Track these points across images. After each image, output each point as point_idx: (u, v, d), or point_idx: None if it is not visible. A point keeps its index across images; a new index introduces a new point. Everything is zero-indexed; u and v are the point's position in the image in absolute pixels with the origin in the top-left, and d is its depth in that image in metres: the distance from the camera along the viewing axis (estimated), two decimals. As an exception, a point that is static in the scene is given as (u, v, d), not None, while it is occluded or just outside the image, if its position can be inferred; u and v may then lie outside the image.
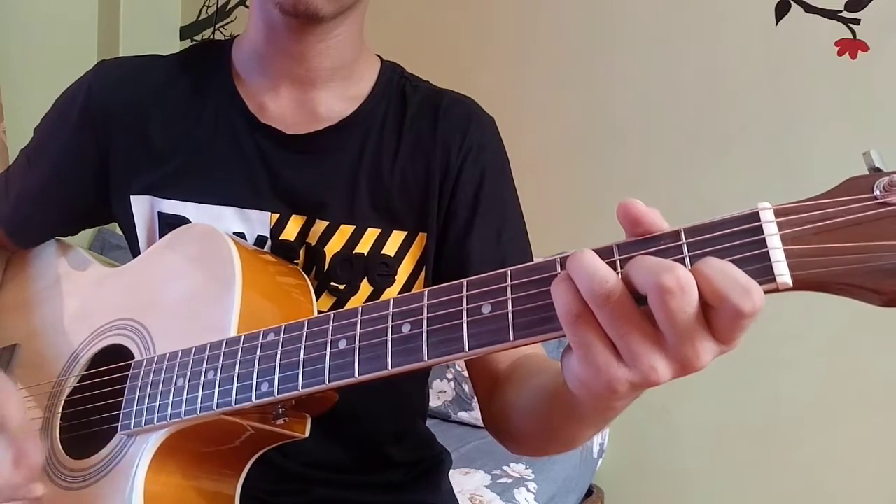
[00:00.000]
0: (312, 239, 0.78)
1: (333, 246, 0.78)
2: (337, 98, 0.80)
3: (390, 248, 0.78)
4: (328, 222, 0.78)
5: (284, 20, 0.74)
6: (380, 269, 0.78)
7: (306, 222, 0.78)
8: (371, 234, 0.78)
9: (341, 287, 0.78)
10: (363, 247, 0.78)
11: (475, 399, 2.14)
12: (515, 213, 0.83)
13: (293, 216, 0.78)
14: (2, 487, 0.61)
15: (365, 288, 0.78)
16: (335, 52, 0.78)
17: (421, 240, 0.79)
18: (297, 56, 0.77)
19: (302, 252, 0.78)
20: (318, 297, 0.77)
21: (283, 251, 0.78)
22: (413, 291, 0.54)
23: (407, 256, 0.79)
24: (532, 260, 0.80)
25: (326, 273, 0.78)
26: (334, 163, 0.79)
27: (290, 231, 0.78)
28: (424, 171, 0.79)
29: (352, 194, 0.78)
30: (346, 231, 0.78)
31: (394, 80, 0.84)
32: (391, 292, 0.79)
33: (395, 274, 0.79)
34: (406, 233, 0.79)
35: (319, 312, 0.75)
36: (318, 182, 0.78)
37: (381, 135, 0.80)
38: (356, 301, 0.78)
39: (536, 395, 0.64)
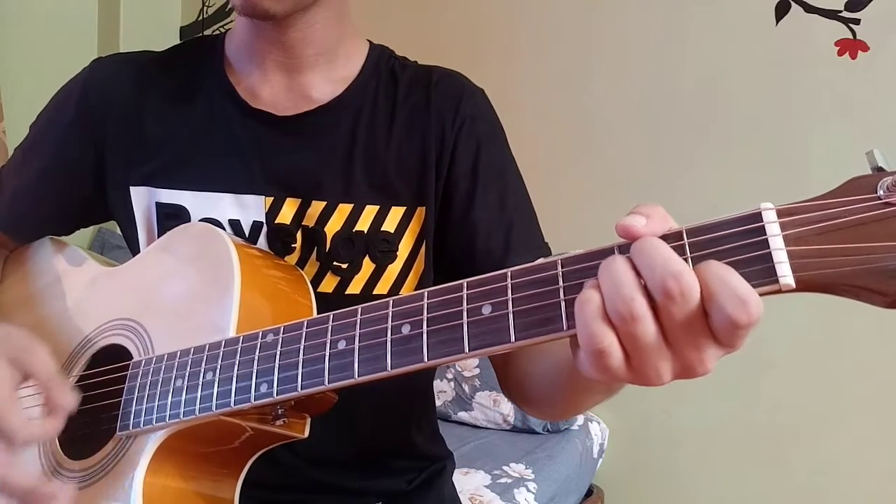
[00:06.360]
0: (310, 221, 0.78)
1: (333, 225, 0.78)
2: (325, 80, 0.81)
3: (390, 225, 0.79)
4: (326, 202, 0.78)
5: None
6: (381, 246, 0.78)
7: (301, 204, 0.78)
8: (370, 212, 0.79)
9: (344, 266, 0.78)
10: (363, 224, 0.78)
11: (475, 399, 2.16)
12: (516, 178, 0.83)
13: (288, 199, 0.79)
14: (36, 436, 0.61)
15: (367, 265, 0.78)
16: (316, 38, 0.79)
17: (420, 214, 0.79)
18: (279, 44, 0.78)
19: (299, 235, 0.79)
20: (321, 278, 0.78)
21: (280, 235, 0.78)
22: (414, 292, 0.54)
23: (407, 232, 0.79)
24: (538, 225, 0.81)
25: (328, 253, 0.78)
26: (328, 142, 0.79)
27: (286, 215, 0.79)
28: (420, 145, 0.79)
29: (347, 172, 0.79)
30: (344, 210, 0.78)
31: (382, 59, 0.84)
32: (394, 269, 0.79)
33: (397, 250, 0.79)
34: (405, 208, 0.79)
35: (323, 295, 0.76)
36: (313, 162, 0.79)
37: (374, 112, 0.81)
38: (360, 279, 0.78)
39: (547, 366, 0.65)
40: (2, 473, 0.60)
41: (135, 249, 0.83)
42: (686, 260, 0.42)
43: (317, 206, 0.78)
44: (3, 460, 0.60)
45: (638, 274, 0.42)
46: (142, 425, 0.64)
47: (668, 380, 0.43)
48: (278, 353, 0.58)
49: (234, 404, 0.59)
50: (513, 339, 0.46)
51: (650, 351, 0.42)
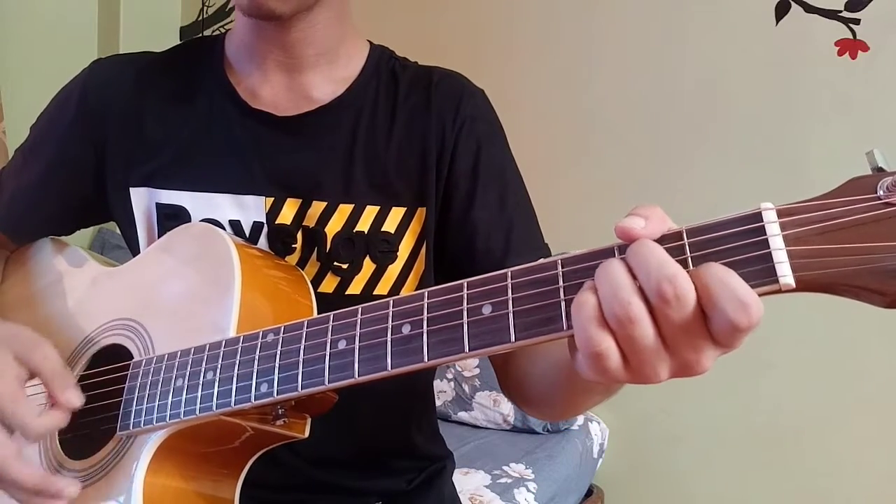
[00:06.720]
0: (310, 221, 0.78)
1: (334, 226, 0.78)
2: (326, 80, 0.81)
3: (390, 225, 0.79)
4: (326, 203, 0.78)
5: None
6: (381, 246, 0.78)
7: (302, 205, 0.79)
8: (370, 212, 0.79)
9: (344, 266, 0.78)
10: (363, 225, 0.78)
11: (475, 399, 2.16)
12: (516, 178, 0.83)
13: (288, 199, 0.79)
14: (48, 429, 0.62)
15: (368, 266, 0.78)
16: (318, 38, 0.79)
17: (420, 214, 0.79)
18: (280, 45, 0.78)
19: (299, 235, 0.79)
20: (322, 279, 0.78)
21: (280, 235, 0.79)
22: (415, 291, 0.54)
23: (408, 232, 0.79)
24: (538, 225, 0.81)
25: (328, 253, 0.78)
26: (328, 142, 0.79)
27: (286, 215, 0.79)
28: (420, 145, 0.80)
29: (348, 173, 0.79)
30: (345, 210, 0.78)
31: (383, 60, 0.84)
32: (394, 269, 0.79)
33: (397, 250, 0.79)
34: (405, 209, 0.79)
35: (323, 296, 0.76)
36: (313, 162, 0.79)
37: (375, 113, 0.81)
38: (360, 279, 0.78)
39: (546, 366, 0.66)
40: (11, 468, 0.60)
41: (135, 250, 0.83)
42: (686, 260, 0.42)
43: (317, 207, 0.78)
44: (12, 454, 0.61)
45: (635, 277, 0.42)
46: (142, 425, 0.64)
47: (665, 379, 0.44)
48: (279, 352, 0.58)
49: (235, 404, 0.59)
50: (513, 338, 0.47)
51: (648, 353, 0.42)
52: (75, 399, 0.63)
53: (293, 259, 0.79)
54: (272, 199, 0.79)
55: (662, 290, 0.40)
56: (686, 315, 0.41)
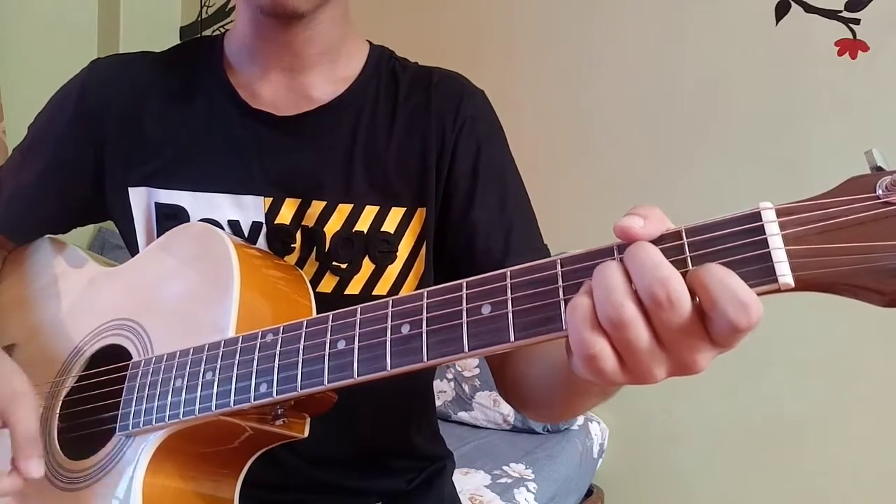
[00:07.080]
0: (309, 221, 0.78)
1: (333, 225, 0.78)
2: (326, 80, 0.81)
3: (390, 225, 0.79)
4: (326, 202, 0.78)
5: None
6: (381, 247, 0.78)
7: (301, 204, 0.78)
8: (370, 212, 0.79)
9: (343, 266, 0.78)
10: (362, 225, 0.78)
11: (475, 399, 2.16)
12: (515, 179, 0.83)
13: (287, 199, 0.79)
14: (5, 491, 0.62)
15: (367, 266, 0.78)
16: (321, 37, 0.79)
17: (420, 215, 0.79)
18: (284, 45, 0.78)
19: (298, 235, 0.79)
20: (321, 278, 0.78)
21: (280, 235, 0.79)
22: (414, 291, 0.54)
23: (407, 232, 0.79)
24: (537, 226, 0.81)
25: (327, 253, 0.78)
26: (328, 142, 0.79)
27: (285, 215, 0.79)
28: (420, 146, 0.80)
29: (348, 172, 0.79)
30: (344, 210, 0.78)
31: (383, 60, 0.84)
32: (393, 269, 0.79)
33: (396, 250, 0.79)
34: (405, 209, 0.79)
35: (322, 295, 0.76)
36: (313, 162, 0.79)
37: (375, 113, 0.81)
38: (359, 279, 0.78)
39: (544, 368, 0.66)
40: None
41: (133, 250, 0.83)
42: (685, 260, 0.42)
43: (317, 206, 0.78)
44: None
45: (631, 279, 0.42)
46: (141, 425, 0.64)
47: (662, 379, 0.44)
48: (278, 352, 0.58)
49: (234, 404, 0.59)
50: (512, 338, 0.46)
51: (643, 354, 0.42)
52: (35, 471, 0.62)
53: (292, 259, 0.79)
54: (271, 199, 0.78)
55: (655, 292, 0.40)
56: (681, 317, 0.41)
